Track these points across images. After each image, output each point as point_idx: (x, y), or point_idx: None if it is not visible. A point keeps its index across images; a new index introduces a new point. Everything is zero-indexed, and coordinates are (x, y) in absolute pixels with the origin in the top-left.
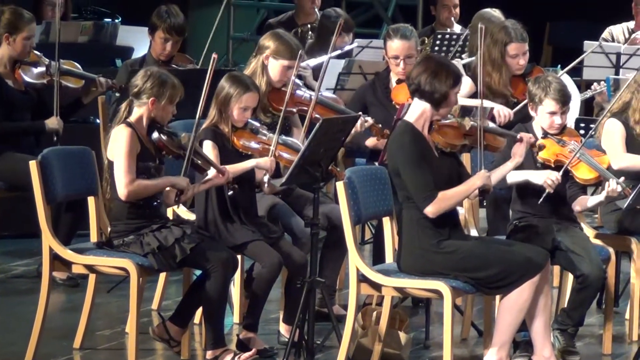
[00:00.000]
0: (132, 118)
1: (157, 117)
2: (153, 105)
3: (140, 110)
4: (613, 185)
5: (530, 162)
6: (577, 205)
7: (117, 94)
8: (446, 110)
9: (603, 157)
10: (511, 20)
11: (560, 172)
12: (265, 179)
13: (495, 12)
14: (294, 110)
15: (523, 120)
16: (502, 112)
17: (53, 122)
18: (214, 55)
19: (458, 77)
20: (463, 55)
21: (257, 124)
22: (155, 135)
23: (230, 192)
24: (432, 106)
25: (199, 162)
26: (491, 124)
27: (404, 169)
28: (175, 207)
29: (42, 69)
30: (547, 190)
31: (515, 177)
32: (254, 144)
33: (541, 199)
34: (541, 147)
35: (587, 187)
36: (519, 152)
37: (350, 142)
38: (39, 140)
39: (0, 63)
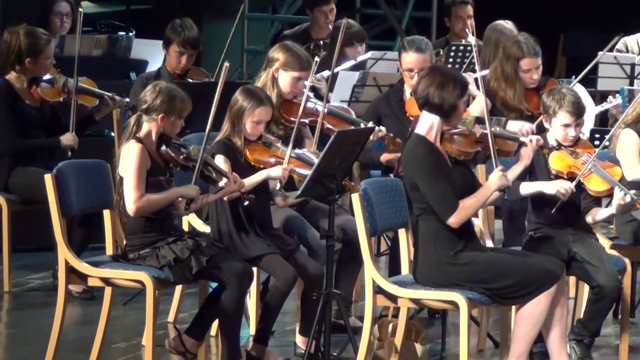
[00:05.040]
0: (142, 133)
1: (166, 132)
2: (162, 121)
3: (149, 125)
4: (622, 196)
5: (544, 173)
6: (590, 217)
7: (131, 112)
8: (456, 120)
9: (615, 169)
10: (524, 34)
11: (574, 183)
12: (277, 187)
13: (508, 24)
14: (306, 121)
15: (539, 132)
16: (524, 130)
17: (68, 139)
18: (226, 64)
19: (465, 86)
20: (476, 67)
21: (271, 137)
22: (162, 148)
23: (247, 203)
24: (442, 118)
25: (211, 174)
26: (499, 129)
27: (422, 182)
28: (187, 216)
29: (58, 85)
30: (560, 200)
31: (528, 188)
32: (267, 158)
33: (554, 209)
34: (552, 149)
35: (600, 199)
36: (526, 154)
37: (364, 157)
38: (52, 155)
39: (18, 80)
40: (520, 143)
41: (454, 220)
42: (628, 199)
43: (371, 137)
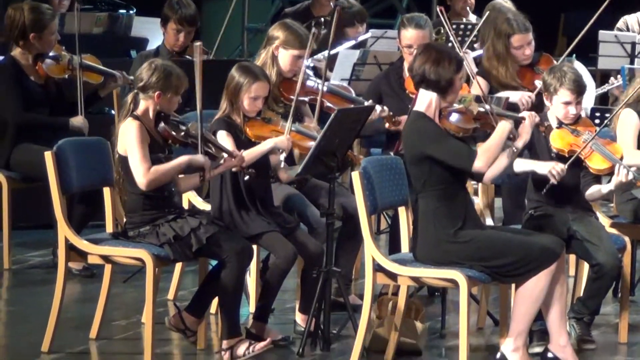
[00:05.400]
0: (139, 111)
1: (164, 109)
2: (159, 98)
3: (146, 103)
4: (623, 173)
5: (544, 151)
6: (588, 194)
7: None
8: (453, 96)
9: (616, 146)
10: (514, 11)
11: (567, 164)
12: (282, 157)
13: (507, 3)
14: (306, 99)
15: (536, 108)
16: (524, 99)
17: (79, 121)
18: (198, 44)
19: (460, 62)
20: (475, 45)
21: (270, 112)
22: (161, 125)
23: (247, 178)
24: (439, 94)
25: (210, 149)
26: (496, 108)
27: (435, 148)
28: (190, 192)
29: (64, 62)
30: (550, 181)
31: (522, 166)
32: (267, 133)
33: (544, 190)
34: (549, 128)
35: (600, 177)
36: (524, 131)
37: (370, 129)
38: (56, 134)
39: (23, 57)
40: (517, 120)
41: (481, 164)
42: (630, 176)
43: (372, 117)
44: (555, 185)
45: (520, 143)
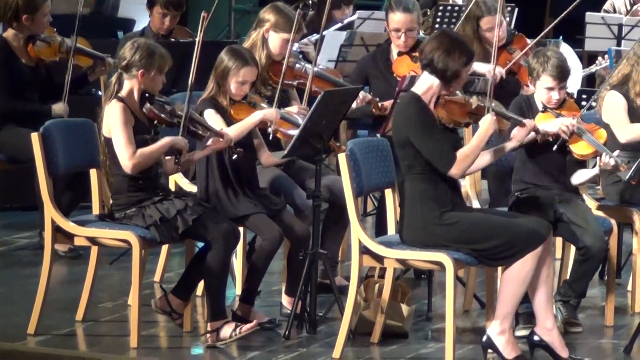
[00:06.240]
0: (123, 92)
1: (148, 88)
2: (142, 77)
3: (130, 83)
4: (605, 160)
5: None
6: (574, 179)
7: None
8: (456, 87)
9: (600, 132)
10: None
11: (575, 120)
12: (270, 130)
13: None
14: (294, 83)
15: (513, 88)
16: (496, 72)
17: (60, 108)
18: (204, 14)
19: (471, 55)
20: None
21: (256, 97)
22: (146, 105)
23: (235, 157)
24: (443, 82)
25: (197, 129)
26: (498, 106)
27: (417, 138)
28: (174, 174)
29: (55, 45)
30: (561, 138)
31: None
32: None
33: (555, 147)
34: (544, 135)
35: (585, 161)
36: (518, 135)
37: (359, 112)
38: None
39: (15, 38)
40: (517, 123)
41: (455, 171)
42: (612, 162)
43: (359, 102)
44: (552, 163)
45: (511, 145)
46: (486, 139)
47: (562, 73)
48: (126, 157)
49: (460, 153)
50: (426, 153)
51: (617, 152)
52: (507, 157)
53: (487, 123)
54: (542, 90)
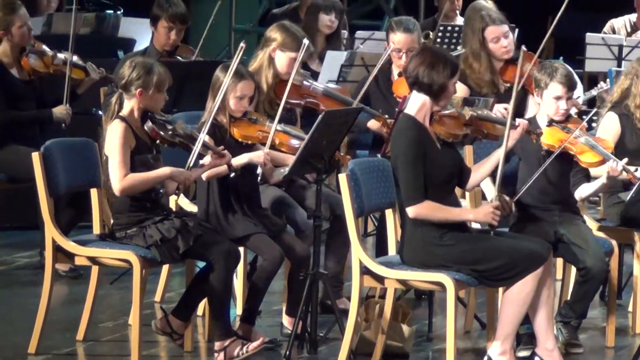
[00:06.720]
0: (124, 112)
1: (148, 107)
2: (141, 95)
3: (130, 103)
4: (613, 165)
5: (533, 158)
6: (580, 192)
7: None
8: (445, 101)
9: (606, 142)
10: (489, 7)
11: (621, 163)
12: (258, 171)
13: (488, 4)
14: (302, 102)
15: (520, 105)
16: (500, 110)
17: (61, 111)
18: (242, 45)
19: (455, 67)
20: (459, 47)
21: (256, 113)
22: (148, 124)
23: (233, 175)
24: (431, 98)
25: (204, 153)
26: (488, 112)
27: (401, 165)
28: (176, 197)
29: (48, 57)
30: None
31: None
32: (253, 133)
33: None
34: (539, 135)
35: (590, 177)
36: (512, 137)
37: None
38: (44, 131)
39: (3, 55)
40: (510, 126)
41: (412, 211)
42: (620, 168)
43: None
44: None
45: (502, 149)
46: (463, 219)
47: (570, 81)
48: (117, 178)
49: (429, 202)
50: (401, 181)
51: (625, 160)
52: (510, 164)
53: (481, 213)
54: (549, 100)
